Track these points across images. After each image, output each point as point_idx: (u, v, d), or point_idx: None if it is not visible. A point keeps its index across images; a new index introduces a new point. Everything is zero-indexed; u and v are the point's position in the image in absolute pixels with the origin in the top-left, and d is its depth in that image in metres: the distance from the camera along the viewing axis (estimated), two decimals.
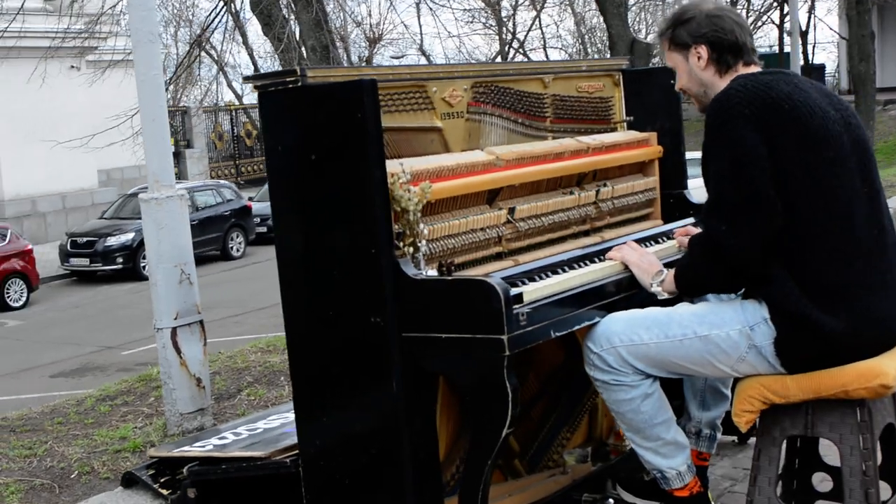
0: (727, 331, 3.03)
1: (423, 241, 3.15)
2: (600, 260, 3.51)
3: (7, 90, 21.87)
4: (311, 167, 3.13)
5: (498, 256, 3.56)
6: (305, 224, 3.20)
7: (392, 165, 3.11)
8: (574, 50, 39.11)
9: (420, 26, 44.95)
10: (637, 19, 36.52)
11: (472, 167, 3.44)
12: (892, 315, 2.98)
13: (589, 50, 37.58)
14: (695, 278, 3.13)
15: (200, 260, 20.93)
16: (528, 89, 3.89)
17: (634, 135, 4.21)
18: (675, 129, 4.30)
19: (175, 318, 4.83)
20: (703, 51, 3.17)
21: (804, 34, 35.13)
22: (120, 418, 5.28)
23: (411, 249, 3.12)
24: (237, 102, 36.64)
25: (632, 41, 14.49)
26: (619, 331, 3.16)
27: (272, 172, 3.27)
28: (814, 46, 40.61)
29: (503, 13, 36.79)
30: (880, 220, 3.03)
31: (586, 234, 3.96)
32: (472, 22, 36.71)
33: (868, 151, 3.08)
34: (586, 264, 3.47)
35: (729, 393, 3.69)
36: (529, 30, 38.27)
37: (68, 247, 20.63)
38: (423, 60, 35.83)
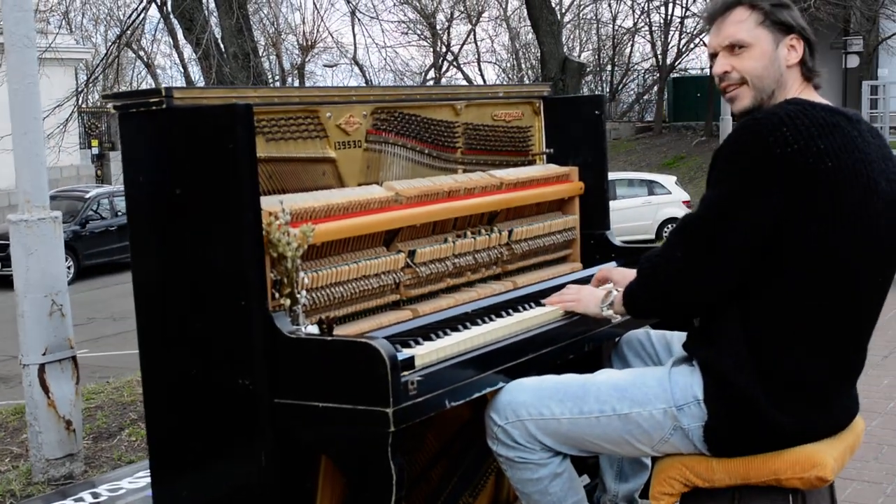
0: (650, 409, 2.65)
1: (303, 292, 2.73)
2: (508, 314, 3.14)
3: None
4: (174, 203, 2.70)
5: (395, 305, 3.17)
6: (167, 268, 2.76)
7: (270, 203, 2.69)
8: (508, 65, 38.91)
9: (354, 36, 44.29)
10: (571, 37, 36.43)
11: (366, 205, 3.03)
12: (845, 408, 2.64)
13: (523, 66, 37.41)
14: (635, 297, 2.76)
15: (119, 267, 20.30)
16: (437, 117, 3.50)
17: (554, 169, 3.84)
18: (598, 164, 3.93)
19: (44, 354, 4.37)
20: (800, 46, 2.64)
21: None
22: None
23: (289, 301, 2.70)
24: None
25: (563, 60, 14.20)
26: (526, 402, 2.76)
27: (131, 206, 2.82)
28: None
29: (438, 25, 36.48)
30: (877, 313, 2.63)
31: (497, 277, 3.59)
32: (407, 33, 36.37)
33: None
34: (492, 319, 3.08)
35: (649, 463, 3.32)
36: (464, 43, 37.99)
37: None
38: (357, 71, 35.30)
